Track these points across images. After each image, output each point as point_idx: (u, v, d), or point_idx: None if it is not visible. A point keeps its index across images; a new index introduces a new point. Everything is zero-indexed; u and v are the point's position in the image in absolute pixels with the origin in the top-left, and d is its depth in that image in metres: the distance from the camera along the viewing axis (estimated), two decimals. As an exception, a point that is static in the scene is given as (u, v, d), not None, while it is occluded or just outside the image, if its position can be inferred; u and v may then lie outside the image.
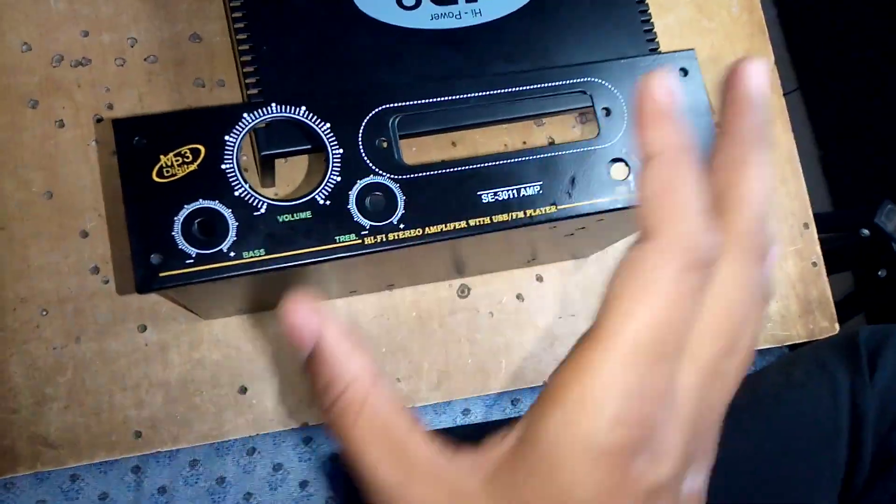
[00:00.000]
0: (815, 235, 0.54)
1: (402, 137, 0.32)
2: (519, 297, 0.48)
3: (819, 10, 1.36)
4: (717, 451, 0.42)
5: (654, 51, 0.44)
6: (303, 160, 0.45)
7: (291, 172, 0.45)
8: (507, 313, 0.48)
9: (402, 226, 0.30)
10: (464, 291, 0.47)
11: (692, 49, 0.36)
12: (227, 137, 0.28)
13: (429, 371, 0.46)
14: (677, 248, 0.18)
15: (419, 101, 0.31)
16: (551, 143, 0.33)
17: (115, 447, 0.41)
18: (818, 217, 0.71)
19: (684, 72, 0.35)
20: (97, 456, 0.41)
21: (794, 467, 0.40)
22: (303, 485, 0.45)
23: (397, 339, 0.46)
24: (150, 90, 0.45)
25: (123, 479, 0.43)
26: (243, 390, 0.43)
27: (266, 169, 0.40)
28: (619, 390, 0.18)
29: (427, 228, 0.30)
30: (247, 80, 0.38)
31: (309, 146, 0.35)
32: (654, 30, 0.44)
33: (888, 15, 1.20)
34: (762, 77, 0.21)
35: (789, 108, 0.55)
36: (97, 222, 0.43)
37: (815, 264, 0.53)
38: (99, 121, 0.44)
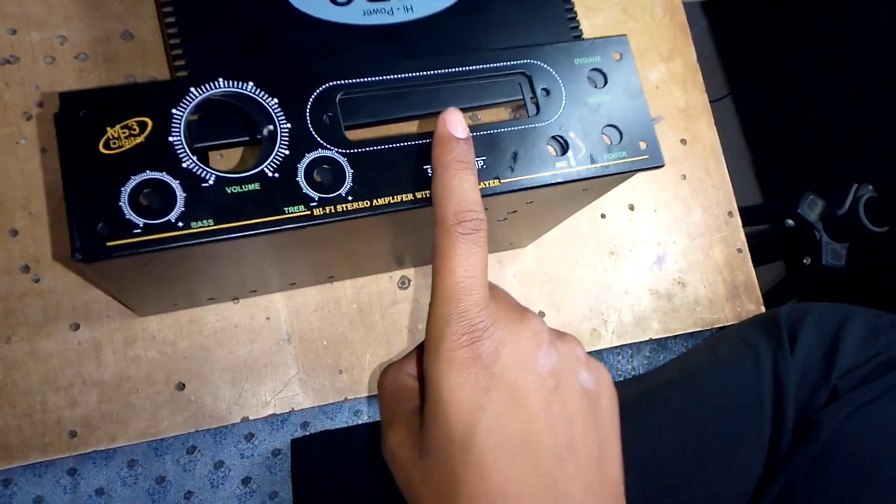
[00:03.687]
0: (740, 223, 0.57)
1: (348, 129, 0.33)
2: (458, 287, 0.49)
3: (747, 21, 1.42)
4: (647, 425, 0.43)
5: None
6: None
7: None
8: (446, 304, 0.49)
9: (350, 198, 0.30)
10: (404, 283, 0.48)
11: (624, 35, 0.38)
12: (173, 111, 0.29)
13: (371, 362, 0.46)
14: (454, 224, 0.28)
15: (364, 80, 0.32)
16: (496, 121, 0.34)
17: (49, 448, 0.40)
18: (747, 210, 0.74)
19: (618, 56, 0.37)
20: (31, 457, 0.40)
21: (722, 437, 0.42)
22: (245, 481, 0.45)
23: (338, 331, 0.46)
24: (81, 87, 0.44)
25: (59, 482, 0.42)
26: (181, 387, 0.43)
27: (200, 162, 0.40)
28: (445, 320, 0.27)
29: (375, 200, 0.31)
30: (178, 74, 0.38)
31: (240, 138, 0.35)
32: (580, 26, 0.46)
33: (812, 26, 1.27)
34: (451, 121, 0.30)
35: (721, 114, 0.58)
36: (27, 221, 0.42)
37: (740, 250, 0.56)
38: (29, 119, 0.43)
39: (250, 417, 0.44)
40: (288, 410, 0.45)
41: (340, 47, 0.41)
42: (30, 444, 0.40)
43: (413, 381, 0.30)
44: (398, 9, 0.43)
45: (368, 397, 0.47)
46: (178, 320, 0.43)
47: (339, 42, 0.41)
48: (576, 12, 0.46)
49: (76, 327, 0.42)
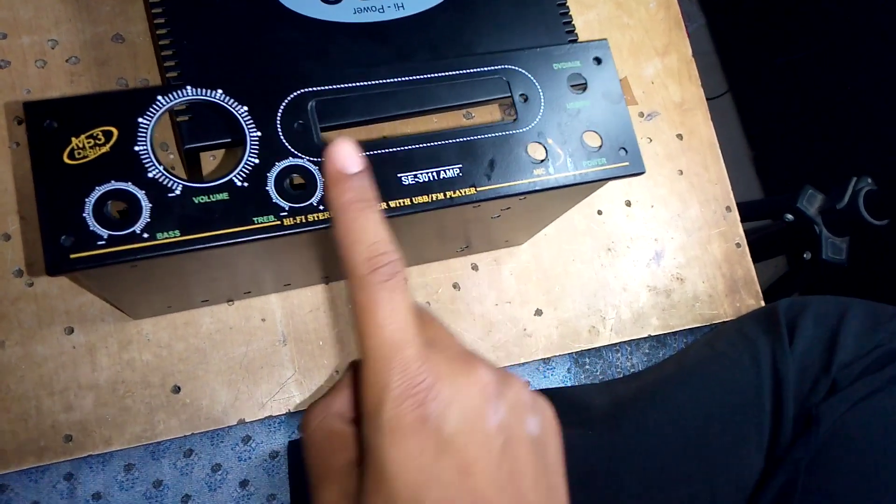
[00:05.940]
0: (738, 218, 0.56)
1: (324, 130, 0.32)
2: (455, 286, 0.49)
3: (745, 18, 1.42)
4: (646, 421, 0.43)
5: (573, 42, 0.45)
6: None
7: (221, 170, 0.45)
8: (443, 302, 0.48)
9: (321, 207, 0.30)
10: (399, 283, 0.48)
11: (605, 39, 0.37)
12: (140, 119, 0.28)
13: (367, 362, 0.46)
14: (368, 273, 0.24)
15: (337, 86, 0.32)
16: (471, 126, 0.33)
17: (44, 453, 0.40)
18: (746, 206, 0.74)
19: (598, 61, 0.36)
20: (26, 462, 0.40)
21: (721, 432, 0.41)
22: (243, 484, 0.45)
23: (334, 331, 0.46)
24: (73, 91, 0.44)
25: (56, 487, 0.42)
26: (176, 390, 0.43)
27: (191, 164, 0.40)
28: (383, 385, 0.24)
29: None
30: (168, 75, 0.38)
31: (231, 139, 0.35)
32: (573, 22, 0.46)
33: (810, 21, 1.27)
34: (341, 156, 0.26)
35: (721, 111, 0.57)
36: (19, 225, 0.42)
37: (738, 245, 0.56)
38: (20, 123, 0.43)
39: (247, 420, 0.44)
40: (285, 412, 0.44)
41: (331, 46, 0.41)
42: (25, 449, 0.40)
43: (344, 426, 0.27)
44: (389, 6, 0.43)
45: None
46: (173, 322, 0.43)
47: (329, 40, 0.41)
48: (568, 7, 0.46)
49: (70, 331, 0.42)
